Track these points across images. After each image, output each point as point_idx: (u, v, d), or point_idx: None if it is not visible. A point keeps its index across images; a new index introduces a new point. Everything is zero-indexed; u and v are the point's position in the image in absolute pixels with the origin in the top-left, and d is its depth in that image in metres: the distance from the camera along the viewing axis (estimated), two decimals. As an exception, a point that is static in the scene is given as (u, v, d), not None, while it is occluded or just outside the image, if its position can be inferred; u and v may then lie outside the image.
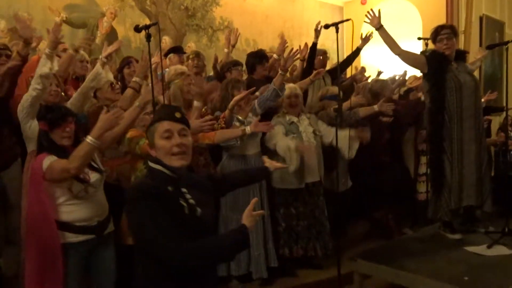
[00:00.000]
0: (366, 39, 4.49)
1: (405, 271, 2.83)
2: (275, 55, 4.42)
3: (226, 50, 4.38)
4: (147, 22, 5.87)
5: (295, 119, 3.48)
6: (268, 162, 2.20)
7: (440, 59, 3.31)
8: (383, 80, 4.48)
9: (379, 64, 7.73)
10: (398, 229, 4.24)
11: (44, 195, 2.21)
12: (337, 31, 3.11)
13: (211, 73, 4.58)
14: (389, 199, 4.13)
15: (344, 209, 3.78)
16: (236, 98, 3.01)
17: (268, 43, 7.46)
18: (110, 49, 3.10)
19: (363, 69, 5.75)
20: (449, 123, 3.26)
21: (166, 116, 1.60)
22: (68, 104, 2.84)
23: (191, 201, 1.58)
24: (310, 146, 3.33)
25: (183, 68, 3.60)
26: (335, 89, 3.90)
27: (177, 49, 4.33)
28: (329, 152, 3.62)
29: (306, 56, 4.35)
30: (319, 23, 4.29)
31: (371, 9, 3.51)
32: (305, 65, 4.45)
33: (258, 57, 4.03)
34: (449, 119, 3.26)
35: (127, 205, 1.52)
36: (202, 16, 6.93)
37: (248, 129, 2.90)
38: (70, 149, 2.25)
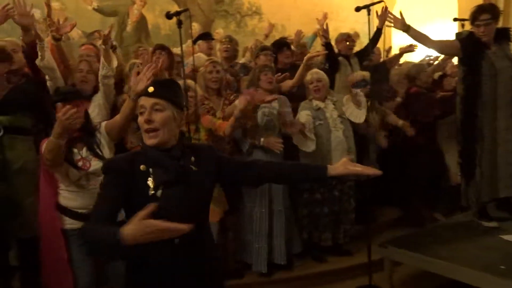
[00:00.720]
0: (382, 16, 4.29)
1: (437, 258, 2.78)
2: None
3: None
4: (176, 8, 5.92)
5: (321, 104, 3.44)
6: (343, 165, 1.74)
7: (475, 44, 3.14)
8: (419, 64, 4.34)
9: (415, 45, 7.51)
10: (430, 215, 4.15)
11: (45, 179, 2.27)
12: (368, 14, 3.03)
13: (242, 59, 4.56)
14: (422, 184, 4.04)
15: (372, 194, 3.74)
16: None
17: (296, 27, 7.34)
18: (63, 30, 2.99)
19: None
20: (482, 111, 3.12)
21: (142, 91, 1.59)
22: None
23: (152, 182, 1.52)
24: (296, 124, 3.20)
25: (203, 56, 3.64)
26: (359, 74, 3.81)
27: (205, 35, 4.33)
28: (357, 140, 3.58)
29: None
30: (325, 25, 4.18)
31: (391, 13, 3.39)
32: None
33: (277, 46, 4.00)
34: (483, 107, 3.12)
35: None
36: (231, 1, 6.91)
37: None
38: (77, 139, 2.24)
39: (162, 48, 3.49)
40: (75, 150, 2.22)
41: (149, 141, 1.51)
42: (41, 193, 2.33)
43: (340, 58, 4.29)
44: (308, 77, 3.46)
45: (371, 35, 3.13)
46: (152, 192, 1.50)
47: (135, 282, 1.57)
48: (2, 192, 2.41)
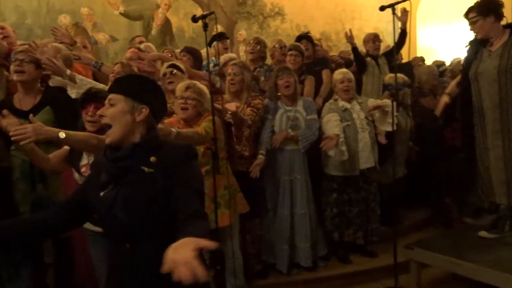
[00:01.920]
0: (403, 17, 4.23)
1: (466, 261, 2.73)
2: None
3: None
4: (200, 11, 6.01)
5: (348, 105, 3.41)
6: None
7: (474, 45, 3.04)
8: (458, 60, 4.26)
9: (437, 45, 7.38)
10: (459, 217, 4.08)
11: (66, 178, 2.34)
12: (393, 13, 3.00)
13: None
14: (455, 186, 3.97)
15: (398, 195, 3.71)
16: None
17: (319, 28, 7.35)
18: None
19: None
20: (474, 117, 3.02)
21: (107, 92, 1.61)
22: None
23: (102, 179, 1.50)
24: (331, 140, 3.12)
25: (231, 55, 3.66)
26: (399, 77, 3.74)
27: (219, 36, 4.31)
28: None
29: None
30: (349, 31, 4.17)
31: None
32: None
33: (297, 40, 4.03)
34: (474, 112, 3.02)
35: None
36: (253, 3, 6.94)
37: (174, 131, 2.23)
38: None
39: (187, 51, 3.55)
40: (84, 155, 2.21)
41: (106, 139, 1.47)
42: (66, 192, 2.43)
43: (368, 59, 4.27)
44: (339, 76, 3.42)
45: (396, 34, 3.10)
46: (101, 193, 1.47)
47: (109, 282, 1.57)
48: (41, 192, 2.49)
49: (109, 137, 1.46)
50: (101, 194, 1.46)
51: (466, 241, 3.03)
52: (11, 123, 1.92)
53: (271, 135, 3.18)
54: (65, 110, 2.64)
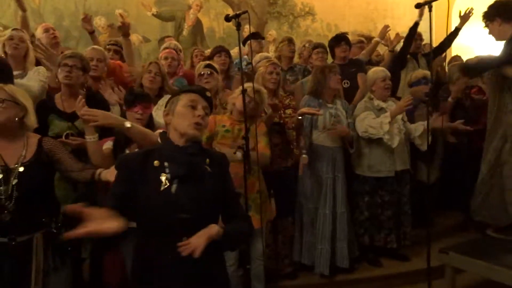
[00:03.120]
0: (465, 17, 4.16)
1: (503, 267, 2.63)
2: (376, 38, 4.28)
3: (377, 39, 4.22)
4: (231, 12, 6.05)
5: (383, 104, 3.34)
6: None
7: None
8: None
9: (475, 44, 7.14)
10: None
11: None
12: (430, 10, 2.92)
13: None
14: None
15: (431, 199, 3.61)
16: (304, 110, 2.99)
17: (350, 27, 7.25)
18: None
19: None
20: None
21: (196, 90, 1.64)
22: None
23: (168, 175, 1.53)
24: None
25: (268, 55, 3.67)
26: (420, 73, 3.69)
27: (255, 35, 4.35)
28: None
29: (396, 46, 4.18)
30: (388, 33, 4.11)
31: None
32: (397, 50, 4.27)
33: (335, 40, 3.94)
34: None
35: None
36: (283, 3, 6.93)
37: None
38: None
39: (222, 50, 3.63)
40: (127, 151, 2.28)
41: (194, 131, 1.57)
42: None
43: (408, 56, 4.19)
44: (381, 73, 3.36)
45: (433, 32, 3.01)
46: (165, 187, 1.52)
47: (142, 281, 1.56)
48: (81, 191, 2.56)
49: (199, 133, 1.59)
50: (162, 189, 1.52)
51: (502, 247, 2.92)
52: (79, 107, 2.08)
53: (311, 133, 3.18)
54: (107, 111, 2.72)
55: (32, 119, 2.01)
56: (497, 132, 3.01)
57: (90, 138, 2.11)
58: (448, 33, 4.45)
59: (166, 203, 1.50)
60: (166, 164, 1.54)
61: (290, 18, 7.01)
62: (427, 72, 3.71)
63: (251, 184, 2.59)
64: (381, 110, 3.32)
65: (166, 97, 2.86)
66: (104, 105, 2.76)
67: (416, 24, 4.08)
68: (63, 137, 2.51)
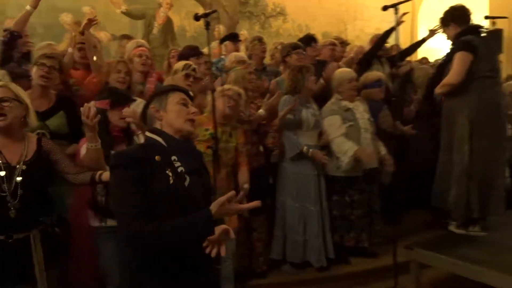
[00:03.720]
0: (432, 32, 4.29)
1: (466, 261, 2.71)
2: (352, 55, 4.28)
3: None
4: (202, 11, 6.00)
5: (350, 105, 3.39)
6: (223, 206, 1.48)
7: None
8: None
9: (442, 46, 7.36)
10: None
11: None
12: (396, 13, 2.99)
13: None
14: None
15: (402, 197, 3.69)
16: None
17: (321, 28, 7.34)
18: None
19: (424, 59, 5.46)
20: None
21: (183, 90, 1.70)
22: None
23: (180, 168, 1.56)
24: (371, 153, 3.24)
25: (244, 56, 3.65)
26: (375, 75, 3.74)
27: (233, 37, 4.36)
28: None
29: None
30: None
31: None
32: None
33: (305, 41, 3.98)
34: None
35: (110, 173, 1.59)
36: (255, 3, 6.95)
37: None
38: (119, 139, 2.34)
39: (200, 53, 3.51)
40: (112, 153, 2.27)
41: (190, 127, 1.64)
42: (77, 192, 2.43)
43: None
44: (347, 75, 3.41)
45: (398, 34, 3.08)
46: (178, 181, 1.53)
47: (152, 276, 1.53)
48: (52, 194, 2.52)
49: (193, 129, 1.67)
50: (171, 183, 1.53)
51: (466, 242, 3.01)
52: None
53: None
54: (76, 116, 2.64)
55: (32, 118, 2.03)
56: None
57: (92, 146, 2.07)
58: (413, 35, 4.56)
59: (182, 197, 1.53)
60: (174, 158, 1.56)
61: (261, 18, 7.03)
62: (382, 75, 3.79)
63: (220, 183, 2.60)
64: (348, 111, 3.37)
65: (141, 102, 2.81)
66: (73, 108, 2.73)
67: (392, 29, 4.10)
68: None
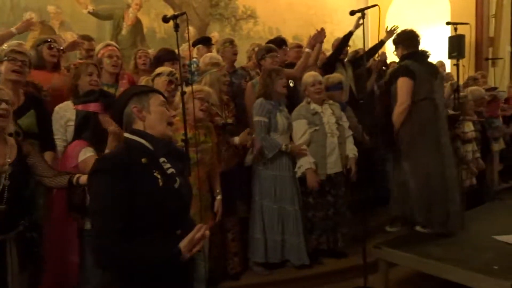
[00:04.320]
0: (390, 33, 4.44)
1: (432, 259, 2.81)
2: (307, 49, 4.25)
3: (307, 49, 3.89)
4: (172, 12, 5.95)
5: (318, 108, 3.43)
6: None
7: None
8: None
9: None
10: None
11: None
12: (363, 17, 3.07)
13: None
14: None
15: (366, 197, 3.78)
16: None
17: (291, 31, 7.41)
18: None
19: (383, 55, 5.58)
20: None
21: (161, 92, 1.69)
22: None
23: (171, 170, 1.56)
24: (315, 178, 3.30)
25: (219, 58, 3.63)
26: (336, 78, 3.80)
27: (206, 40, 4.31)
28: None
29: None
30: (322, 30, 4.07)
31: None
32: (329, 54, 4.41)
33: (277, 44, 4.01)
34: None
35: (89, 176, 1.50)
36: (226, 5, 6.93)
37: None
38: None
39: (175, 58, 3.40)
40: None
41: (170, 132, 1.63)
42: (56, 195, 2.37)
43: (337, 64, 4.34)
44: (310, 79, 3.45)
45: (366, 39, 3.16)
46: (162, 183, 1.50)
47: (136, 278, 1.50)
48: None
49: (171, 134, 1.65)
50: (176, 186, 1.55)
51: (432, 240, 3.11)
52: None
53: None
54: (46, 114, 2.68)
55: (12, 120, 2.03)
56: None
57: None
58: (380, 39, 4.67)
59: (173, 199, 1.52)
60: (163, 160, 1.56)
61: (232, 21, 7.02)
62: (342, 77, 3.88)
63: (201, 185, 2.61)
64: (315, 114, 3.41)
65: None
66: (42, 107, 2.69)
67: (350, 33, 4.26)
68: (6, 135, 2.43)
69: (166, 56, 3.47)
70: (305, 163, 3.31)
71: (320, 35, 3.90)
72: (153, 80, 2.95)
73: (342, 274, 3.39)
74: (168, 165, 1.56)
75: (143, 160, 1.51)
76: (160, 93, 1.68)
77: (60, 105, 2.70)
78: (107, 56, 3.21)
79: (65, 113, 2.64)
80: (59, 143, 2.63)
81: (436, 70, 3.44)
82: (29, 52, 2.73)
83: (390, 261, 3.06)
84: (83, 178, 1.99)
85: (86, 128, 2.21)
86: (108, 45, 3.38)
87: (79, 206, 2.21)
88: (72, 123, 2.55)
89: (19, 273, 1.96)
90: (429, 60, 3.48)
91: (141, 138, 1.56)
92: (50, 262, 2.31)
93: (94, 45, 3.87)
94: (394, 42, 3.53)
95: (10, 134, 2.44)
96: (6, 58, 2.50)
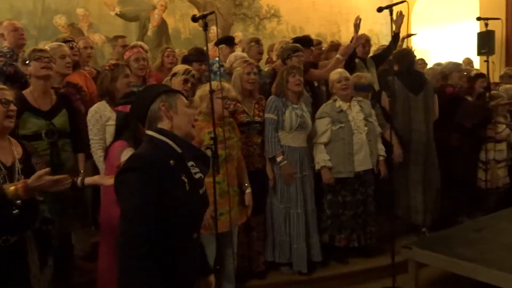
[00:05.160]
0: (397, 21, 4.16)
1: (463, 260, 2.75)
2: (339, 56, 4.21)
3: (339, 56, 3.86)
4: (196, 12, 6.00)
5: (345, 106, 3.40)
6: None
7: None
8: (455, 63, 4.30)
9: (431, 47, 7.44)
10: (454, 217, 4.11)
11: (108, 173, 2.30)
12: (391, 14, 3.02)
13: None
14: (448, 186, 4.01)
15: (395, 198, 3.73)
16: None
17: (314, 30, 7.38)
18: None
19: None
20: None
21: (183, 94, 1.66)
22: None
23: (199, 174, 1.54)
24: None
25: (245, 55, 3.62)
26: (368, 78, 3.73)
27: (229, 41, 4.33)
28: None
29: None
30: (357, 18, 4.02)
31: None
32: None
33: (303, 42, 3.96)
34: None
35: (119, 174, 1.46)
36: (249, 4, 6.96)
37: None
38: None
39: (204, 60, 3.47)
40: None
41: (194, 130, 1.60)
42: (104, 190, 2.40)
43: (357, 61, 4.28)
44: (336, 75, 3.42)
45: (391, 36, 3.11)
46: (189, 187, 1.50)
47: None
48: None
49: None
50: (201, 191, 1.56)
51: (462, 240, 3.05)
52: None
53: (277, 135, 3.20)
54: (76, 114, 2.80)
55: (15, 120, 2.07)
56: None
57: None
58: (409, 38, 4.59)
59: (197, 203, 1.54)
60: (191, 164, 1.55)
61: (256, 20, 7.04)
62: (373, 80, 3.92)
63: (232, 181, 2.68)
64: (341, 112, 3.38)
65: None
66: (72, 106, 2.78)
67: (396, 35, 4.18)
68: (43, 135, 2.56)
69: (195, 56, 3.53)
70: (320, 161, 3.31)
71: (357, 42, 3.94)
72: (171, 79, 3.00)
73: (370, 273, 3.36)
74: (196, 170, 1.55)
75: (172, 162, 1.48)
76: (182, 94, 1.65)
77: (97, 105, 2.77)
78: (133, 59, 3.25)
79: (104, 113, 2.71)
80: (98, 146, 2.72)
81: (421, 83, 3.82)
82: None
83: (421, 261, 3.01)
84: (88, 180, 2.07)
85: (126, 129, 2.23)
86: (134, 46, 3.40)
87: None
88: (113, 122, 2.58)
89: (40, 270, 1.98)
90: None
91: (169, 139, 1.51)
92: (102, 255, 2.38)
93: (126, 41, 3.96)
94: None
95: (46, 134, 2.54)
96: (32, 58, 2.57)
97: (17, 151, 2.01)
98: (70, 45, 3.37)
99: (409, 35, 4.50)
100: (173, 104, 1.55)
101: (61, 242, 2.44)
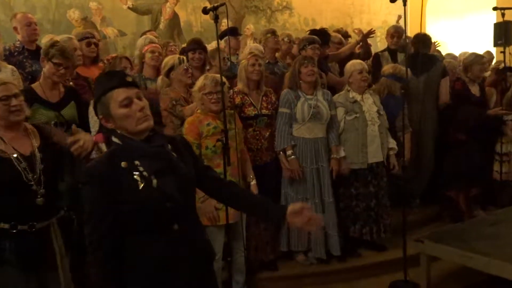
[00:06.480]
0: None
1: (477, 253, 2.71)
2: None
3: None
4: (207, 5, 5.98)
5: (358, 97, 3.38)
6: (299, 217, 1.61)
7: None
8: (477, 55, 4.22)
9: (447, 39, 7.32)
10: (469, 210, 4.06)
11: None
12: (404, 4, 2.97)
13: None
14: (462, 179, 3.96)
15: (406, 191, 3.68)
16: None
17: (327, 22, 7.31)
18: None
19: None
20: None
21: (118, 82, 1.50)
22: None
23: (144, 173, 1.49)
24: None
25: (259, 47, 3.65)
26: (403, 71, 3.71)
27: (233, 31, 4.30)
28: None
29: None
30: (371, 32, 4.31)
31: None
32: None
33: (320, 37, 3.93)
34: None
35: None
36: (261, -4, 6.93)
37: None
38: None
39: (197, 47, 3.53)
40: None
41: (145, 125, 1.50)
42: None
43: (385, 53, 4.28)
44: (358, 66, 3.39)
45: (408, 25, 3.06)
46: (142, 185, 1.47)
47: (135, 277, 1.51)
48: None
49: (150, 123, 1.52)
50: (141, 188, 1.49)
51: (476, 234, 3.01)
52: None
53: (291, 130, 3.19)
54: (84, 106, 2.83)
55: (27, 110, 2.08)
56: None
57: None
58: (422, 27, 4.51)
59: (152, 198, 1.48)
60: (137, 162, 1.49)
61: (267, 12, 7.00)
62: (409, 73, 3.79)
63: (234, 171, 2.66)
64: (355, 103, 3.36)
65: None
66: (80, 98, 2.83)
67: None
68: (52, 126, 2.57)
69: (189, 45, 3.59)
70: (335, 153, 3.30)
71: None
72: (167, 76, 3.06)
73: (381, 267, 3.34)
74: (141, 168, 1.49)
75: (123, 164, 1.47)
76: (124, 83, 1.50)
77: None
78: (149, 51, 3.41)
79: None
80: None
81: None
82: (73, 50, 2.87)
83: (433, 255, 2.98)
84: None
85: None
86: (151, 42, 3.56)
87: None
88: None
89: (66, 256, 2.03)
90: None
91: (119, 140, 1.52)
92: None
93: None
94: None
95: (55, 124, 2.58)
96: (51, 60, 2.59)
97: (35, 139, 2.03)
98: (89, 41, 3.43)
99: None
100: (105, 113, 1.51)
101: (82, 229, 2.50)
